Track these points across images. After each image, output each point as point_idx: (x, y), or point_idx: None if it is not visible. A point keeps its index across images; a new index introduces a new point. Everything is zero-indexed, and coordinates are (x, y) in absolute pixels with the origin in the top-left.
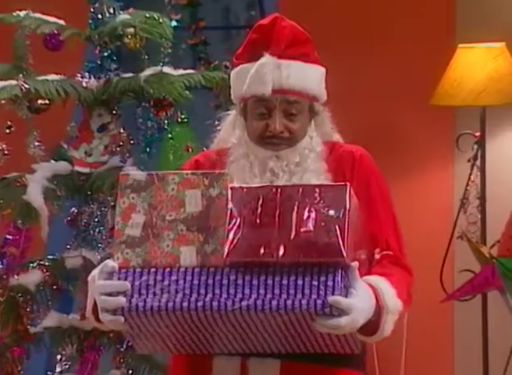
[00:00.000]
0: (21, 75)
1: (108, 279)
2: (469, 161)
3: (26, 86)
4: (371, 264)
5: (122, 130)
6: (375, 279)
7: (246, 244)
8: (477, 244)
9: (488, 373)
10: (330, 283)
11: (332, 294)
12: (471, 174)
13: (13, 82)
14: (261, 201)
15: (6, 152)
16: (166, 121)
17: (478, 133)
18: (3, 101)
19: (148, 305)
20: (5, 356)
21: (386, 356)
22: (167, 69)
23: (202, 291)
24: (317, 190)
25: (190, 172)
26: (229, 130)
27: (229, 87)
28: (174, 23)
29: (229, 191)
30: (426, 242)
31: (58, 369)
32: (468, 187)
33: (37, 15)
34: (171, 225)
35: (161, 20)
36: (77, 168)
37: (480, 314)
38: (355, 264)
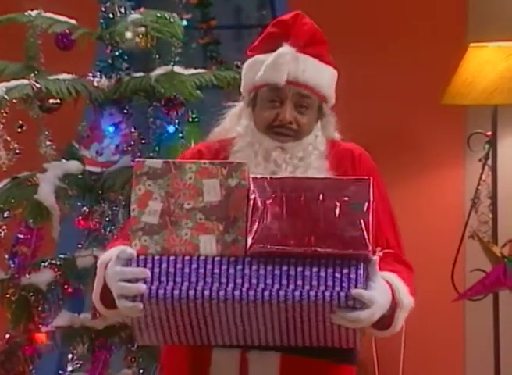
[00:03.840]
0: (32, 74)
1: (126, 265)
2: (480, 160)
3: (38, 85)
4: None
5: (133, 130)
6: (389, 275)
7: (270, 234)
8: (488, 244)
9: (499, 372)
10: (353, 275)
11: (355, 286)
12: (482, 174)
13: (25, 81)
14: (284, 192)
15: (18, 152)
16: (177, 120)
17: (489, 133)
18: (15, 101)
19: (169, 293)
20: (16, 355)
21: (385, 354)
22: (178, 69)
23: (223, 280)
24: (339, 183)
25: (207, 162)
26: (234, 121)
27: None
28: (185, 23)
29: (252, 182)
30: (437, 242)
31: (69, 369)
32: (479, 187)
33: (49, 14)
34: (189, 213)
35: (172, 20)
36: (88, 167)
37: (491, 313)
38: (376, 258)
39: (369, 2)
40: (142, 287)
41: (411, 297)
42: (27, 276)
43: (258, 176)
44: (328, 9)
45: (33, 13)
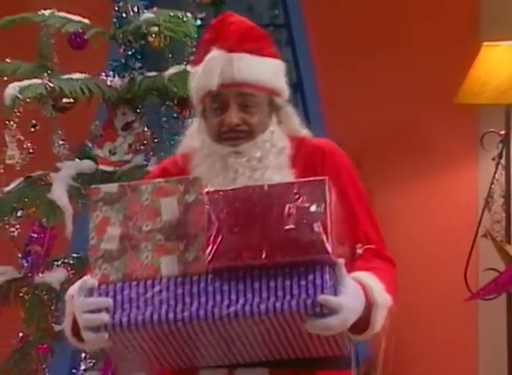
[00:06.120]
0: (46, 74)
1: (88, 296)
2: (494, 159)
3: (51, 85)
4: (354, 259)
5: (146, 129)
6: (362, 275)
7: (228, 248)
8: (501, 243)
9: None
10: (318, 281)
11: (322, 292)
12: (495, 173)
13: (38, 81)
14: (238, 203)
15: (31, 151)
16: (190, 119)
17: (502, 132)
18: (28, 100)
19: (133, 320)
20: (29, 354)
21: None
22: (191, 68)
23: (187, 300)
24: (295, 186)
25: (162, 180)
26: (194, 136)
27: None
28: (198, 22)
29: (205, 196)
30: (451, 241)
31: (82, 367)
32: (493, 186)
33: (62, 14)
34: (148, 235)
35: (185, 19)
36: (101, 166)
37: (505, 313)
38: (342, 261)
39: (382, 2)
40: (105, 317)
41: (388, 294)
42: (40, 275)
43: (211, 189)
44: (341, 8)
45: (47, 13)
